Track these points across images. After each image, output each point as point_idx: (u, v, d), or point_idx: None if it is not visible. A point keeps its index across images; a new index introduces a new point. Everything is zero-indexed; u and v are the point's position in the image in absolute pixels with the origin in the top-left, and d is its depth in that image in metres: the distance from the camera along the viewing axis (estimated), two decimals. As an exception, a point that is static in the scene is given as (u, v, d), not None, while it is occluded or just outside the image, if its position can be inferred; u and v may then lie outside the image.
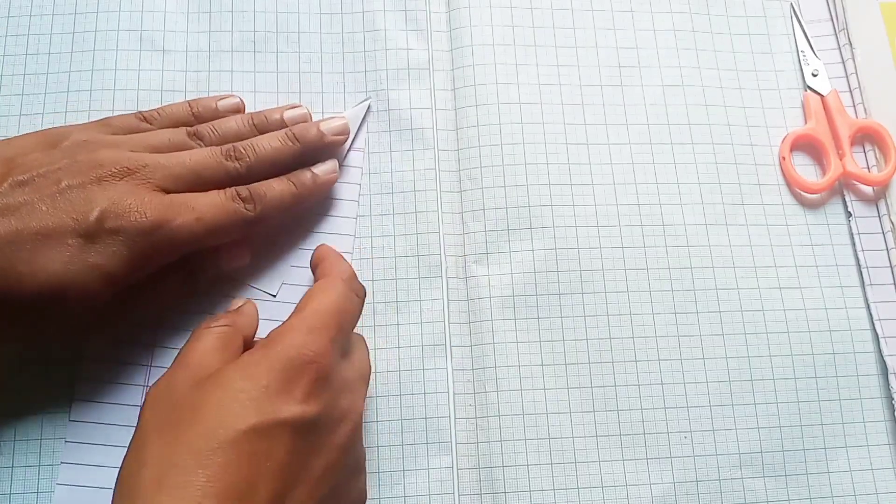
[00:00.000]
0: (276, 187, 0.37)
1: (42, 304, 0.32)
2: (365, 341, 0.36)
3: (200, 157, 0.36)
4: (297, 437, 0.29)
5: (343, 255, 0.39)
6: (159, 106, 0.39)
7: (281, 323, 0.32)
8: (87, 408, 0.36)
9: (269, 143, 0.38)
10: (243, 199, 0.36)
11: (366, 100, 0.42)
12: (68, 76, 0.41)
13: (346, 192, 0.41)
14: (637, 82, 0.44)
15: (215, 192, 0.36)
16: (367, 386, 0.34)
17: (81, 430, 0.36)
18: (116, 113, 0.40)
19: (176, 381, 0.30)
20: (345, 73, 0.42)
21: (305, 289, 0.38)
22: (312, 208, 0.40)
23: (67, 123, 0.40)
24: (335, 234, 0.40)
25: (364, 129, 0.42)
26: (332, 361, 0.31)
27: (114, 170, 0.34)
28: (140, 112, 0.39)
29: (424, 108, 0.42)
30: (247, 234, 0.37)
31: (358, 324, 0.39)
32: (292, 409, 0.29)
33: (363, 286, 0.36)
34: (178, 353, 0.32)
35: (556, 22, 0.44)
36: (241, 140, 0.38)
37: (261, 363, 0.29)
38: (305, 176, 0.38)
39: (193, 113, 0.39)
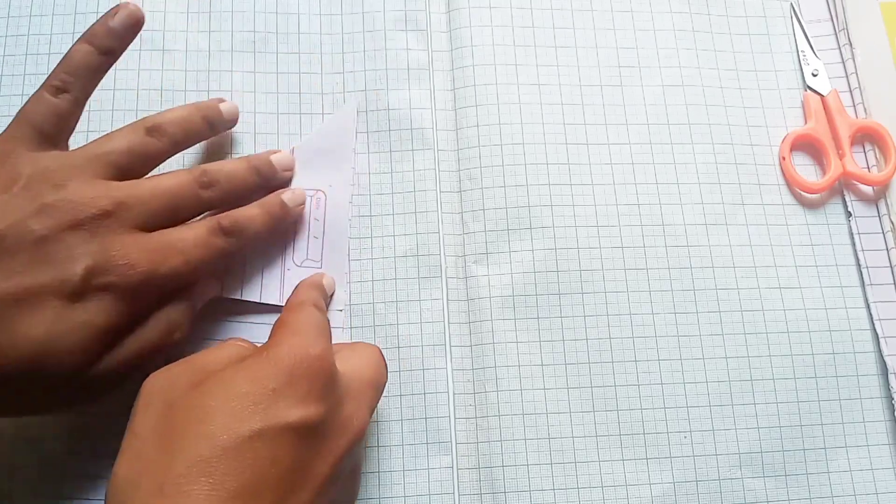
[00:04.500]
0: (253, 217, 0.36)
1: (28, 373, 0.29)
2: (380, 352, 0.35)
3: (175, 186, 0.34)
4: (301, 442, 0.28)
5: (343, 257, 0.39)
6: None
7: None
8: None
9: (235, 170, 0.37)
10: (225, 233, 0.35)
11: (351, 103, 0.42)
12: (68, 76, 0.41)
13: (339, 193, 0.40)
14: (637, 82, 0.44)
15: (197, 225, 0.34)
16: (378, 395, 0.33)
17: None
18: (116, 112, 0.40)
19: (174, 376, 0.29)
20: (344, 73, 0.42)
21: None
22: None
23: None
24: (332, 235, 0.40)
25: (353, 131, 0.41)
26: (334, 364, 0.30)
27: (90, 213, 0.31)
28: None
29: (424, 108, 0.42)
30: (224, 265, 0.37)
31: (358, 324, 0.39)
32: (298, 412, 0.28)
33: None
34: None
35: (555, 22, 0.44)
36: (190, 128, 0.37)
37: (264, 365, 0.29)
38: (276, 205, 0.38)
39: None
